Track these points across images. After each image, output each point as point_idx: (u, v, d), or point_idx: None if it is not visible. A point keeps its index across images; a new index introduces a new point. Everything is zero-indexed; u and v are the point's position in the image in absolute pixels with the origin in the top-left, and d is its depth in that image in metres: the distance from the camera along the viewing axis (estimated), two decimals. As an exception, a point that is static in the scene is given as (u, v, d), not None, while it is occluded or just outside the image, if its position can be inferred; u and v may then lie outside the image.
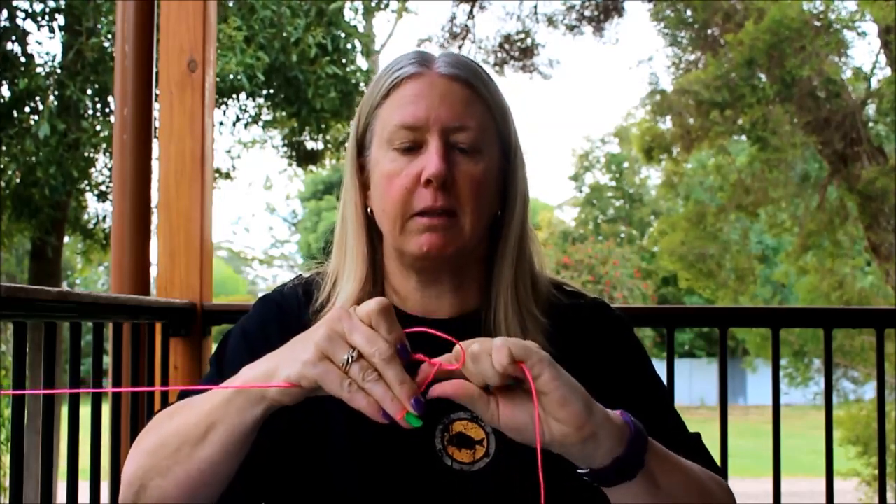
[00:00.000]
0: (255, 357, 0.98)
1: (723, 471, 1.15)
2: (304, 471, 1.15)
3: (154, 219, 2.49)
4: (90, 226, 9.57)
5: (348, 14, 9.24)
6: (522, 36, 11.28)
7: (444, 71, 1.15)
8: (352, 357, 0.90)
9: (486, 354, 0.90)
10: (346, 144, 1.24)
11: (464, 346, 0.93)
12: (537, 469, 0.94)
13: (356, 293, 1.16)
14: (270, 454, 1.12)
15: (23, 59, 7.77)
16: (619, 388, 1.14)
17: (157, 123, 2.51)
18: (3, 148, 7.59)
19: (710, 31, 10.65)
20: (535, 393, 0.90)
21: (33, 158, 7.53)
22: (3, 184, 8.06)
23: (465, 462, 1.13)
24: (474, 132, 1.14)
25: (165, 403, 2.27)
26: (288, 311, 1.21)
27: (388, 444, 1.12)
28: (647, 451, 0.96)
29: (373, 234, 1.20)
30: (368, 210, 1.19)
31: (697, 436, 1.21)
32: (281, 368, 0.94)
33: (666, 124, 11.31)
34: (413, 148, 1.13)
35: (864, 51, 31.72)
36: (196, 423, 0.99)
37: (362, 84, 8.70)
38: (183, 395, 1.16)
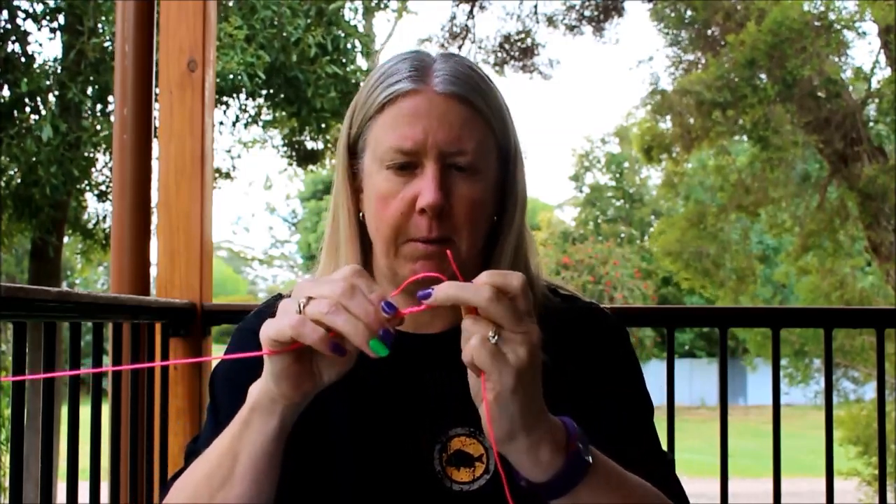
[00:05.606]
0: (245, 391, 0.97)
1: (684, 499, 1.12)
2: (305, 501, 1.13)
3: (154, 219, 2.49)
4: (90, 226, 9.57)
5: (348, 14, 9.25)
6: (522, 36, 11.29)
7: (441, 89, 1.10)
8: (306, 302, 0.89)
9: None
10: (337, 146, 1.21)
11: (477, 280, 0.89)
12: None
13: None
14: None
15: (23, 60, 7.77)
16: (596, 396, 1.13)
17: (157, 123, 2.51)
18: (4, 148, 7.59)
19: (710, 31, 10.66)
20: (486, 400, 0.87)
21: (34, 158, 7.53)
22: (3, 184, 8.06)
23: (464, 482, 1.11)
24: (473, 154, 1.10)
25: (165, 404, 2.28)
26: None
27: (388, 469, 1.11)
28: (580, 482, 0.93)
29: (365, 240, 1.16)
30: (360, 215, 1.16)
31: (670, 460, 1.17)
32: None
33: (666, 124, 11.32)
34: (408, 167, 1.09)
35: (864, 51, 31.76)
36: (220, 464, 0.97)
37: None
38: (189, 451, 1.15)
